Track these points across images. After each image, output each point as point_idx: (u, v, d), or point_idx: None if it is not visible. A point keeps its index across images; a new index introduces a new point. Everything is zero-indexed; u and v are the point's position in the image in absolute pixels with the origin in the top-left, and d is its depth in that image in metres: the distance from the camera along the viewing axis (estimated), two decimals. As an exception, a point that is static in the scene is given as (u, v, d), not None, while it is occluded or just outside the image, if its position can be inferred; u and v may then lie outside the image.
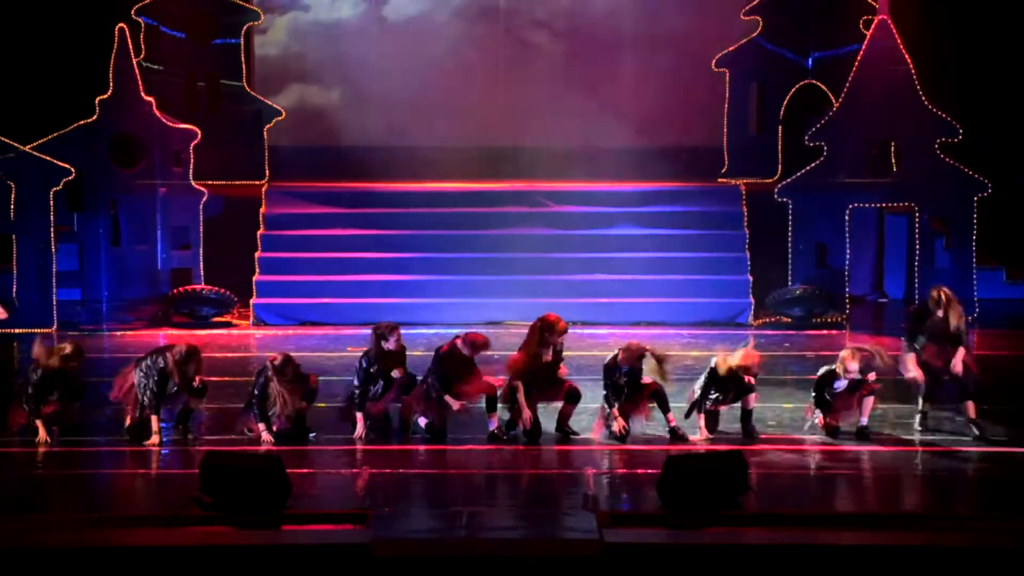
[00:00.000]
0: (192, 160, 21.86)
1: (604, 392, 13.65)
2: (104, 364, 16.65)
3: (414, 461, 13.14)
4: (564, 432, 13.73)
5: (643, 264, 21.96)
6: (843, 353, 13.64)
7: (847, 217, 21.27)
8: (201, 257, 21.88)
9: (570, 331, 13.95)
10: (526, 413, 13.53)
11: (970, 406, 14.02)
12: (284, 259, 22.10)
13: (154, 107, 21.66)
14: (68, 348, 13.72)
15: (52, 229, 20.79)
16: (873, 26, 21.32)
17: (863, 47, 21.35)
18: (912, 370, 14.02)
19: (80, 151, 21.04)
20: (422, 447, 13.51)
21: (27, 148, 20.70)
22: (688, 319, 21.13)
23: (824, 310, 21.28)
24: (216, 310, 21.43)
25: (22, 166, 20.58)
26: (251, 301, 21.49)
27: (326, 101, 25.31)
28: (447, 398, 13.61)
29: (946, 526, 10.84)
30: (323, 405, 14.39)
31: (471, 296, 21.16)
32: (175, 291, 21.47)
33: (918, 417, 14.13)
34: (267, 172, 23.59)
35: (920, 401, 14.16)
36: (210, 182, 22.27)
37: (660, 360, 13.53)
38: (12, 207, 20.58)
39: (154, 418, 13.51)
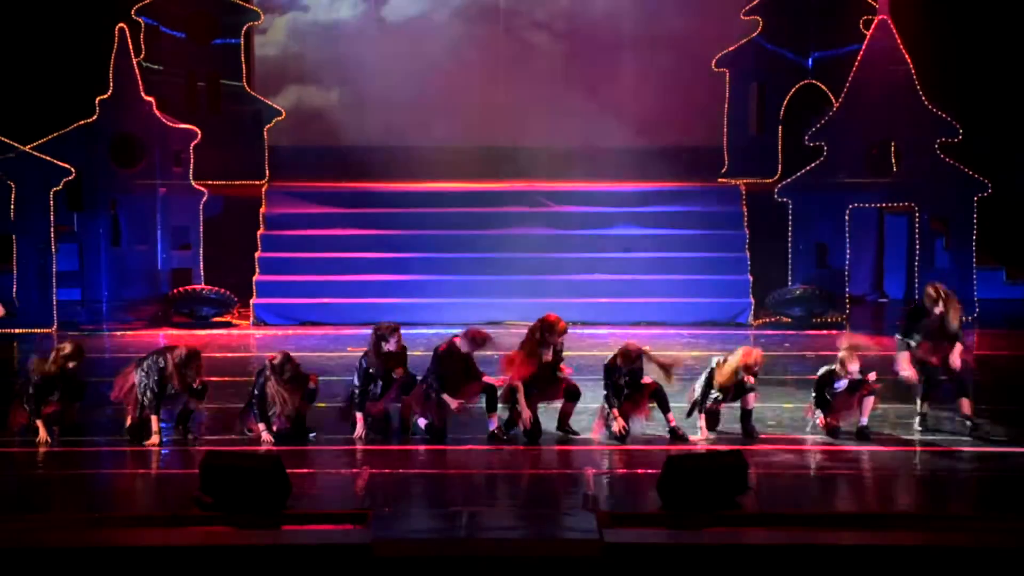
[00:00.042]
0: (192, 160, 21.87)
1: (604, 392, 13.65)
2: (104, 364, 16.65)
3: (414, 461, 13.13)
4: (565, 431, 13.73)
5: (643, 264, 21.97)
6: (841, 354, 13.65)
7: (847, 217, 21.28)
8: (201, 257, 21.88)
9: (570, 331, 13.95)
10: (526, 413, 13.53)
11: (966, 403, 14.05)
12: (284, 259, 22.10)
13: (154, 107, 21.66)
14: (68, 348, 13.72)
15: (52, 229, 20.79)
16: (873, 26, 21.33)
17: (863, 47, 21.35)
18: (906, 368, 14.03)
19: (80, 151, 21.05)
20: (422, 447, 13.51)
21: (27, 148, 20.71)
22: (688, 319, 21.13)
23: (824, 310, 21.28)
24: (216, 310, 21.44)
25: (22, 166, 20.59)
26: (251, 301, 21.49)
27: (326, 101, 25.31)
28: (445, 397, 13.60)
29: (946, 526, 10.84)
30: (323, 405, 14.39)
31: (471, 296, 21.16)
32: (175, 291, 21.46)
33: (918, 418, 14.14)
34: (267, 172, 23.58)
35: (919, 402, 14.16)
36: (210, 182, 22.27)
37: (666, 367, 13.54)
38: (12, 207, 20.58)
39: (154, 418, 13.51)
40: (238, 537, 10.52)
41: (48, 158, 20.65)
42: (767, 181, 22.77)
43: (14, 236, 20.74)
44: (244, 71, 23.80)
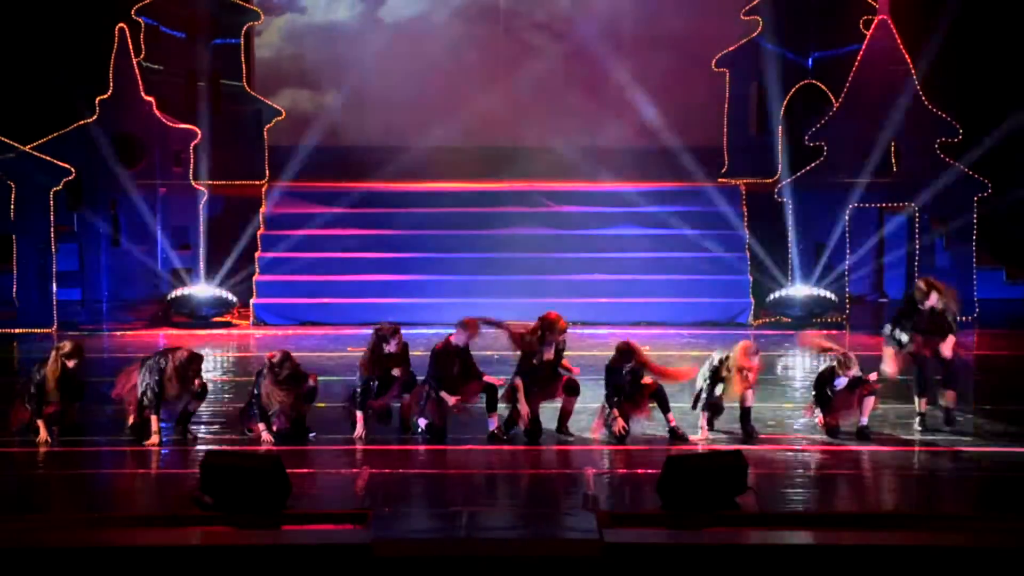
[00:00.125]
0: (192, 160, 21.87)
1: (605, 392, 13.65)
2: (104, 364, 16.65)
3: (414, 461, 13.13)
4: (563, 433, 13.71)
5: (643, 264, 21.97)
6: (839, 358, 13.67)
7: (847, 217, 21.28)
8: (201, 257, 21.87)
9: (570, 331, 13.95)
10: (524, 410, 13.53)
11: (950, 395, 14.09)
12: (284, 259, 22.10)
13: (154, 107, 21.67)
14: (67, 347, 13.72)
15: (52, 229, 20.80)
16: (873, 26, 21.34)
17: (863, 47, 21.36)
18: (888, 364, 14.05)
19: (80, 151, 21.07)
20: (422, 447, 13.51)
21: (27, 148, 20.72)
22: (688, 319, 21.15)
23: (824, 310, 21.29)
24: (216, 310, 21.44)
25: (22, 166, 20.60)
26: (251, 301, 21.50)
27: (325, 102, 25.31)
28: (443, 394, 13.60)
29: (946, 526, 10.84)
30: (323, 405, 14.39)
31: (471, 296, 21.15)
32: (175, 291, 21.46)
33: (918, 418, 14.14)
34: (267, 172, 23.58)
35: (918, 401, 14.17)
36: (210, 182, 22.27)
37: (660, 373, 13.57)
38: (12, 207, 20.59)
39: (154, 418, 13.51)
40: (238, 537, 10.51)
41: (48, 158, 20.66)
42: (767, 181, 22.77)
43: (14, 236, 20.75)
44: (244, 71, 23.81)
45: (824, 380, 13.76)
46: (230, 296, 21.47)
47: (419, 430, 13.76)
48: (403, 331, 14.02)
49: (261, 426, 13.55)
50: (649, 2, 25.33)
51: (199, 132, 21.97)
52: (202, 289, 21.46)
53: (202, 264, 21.83)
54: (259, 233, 22.31)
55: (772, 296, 21.41)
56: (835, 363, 13.69)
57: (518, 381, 13.62)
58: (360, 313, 20.70)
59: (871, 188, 21.31)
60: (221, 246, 22.05)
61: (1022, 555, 9.96)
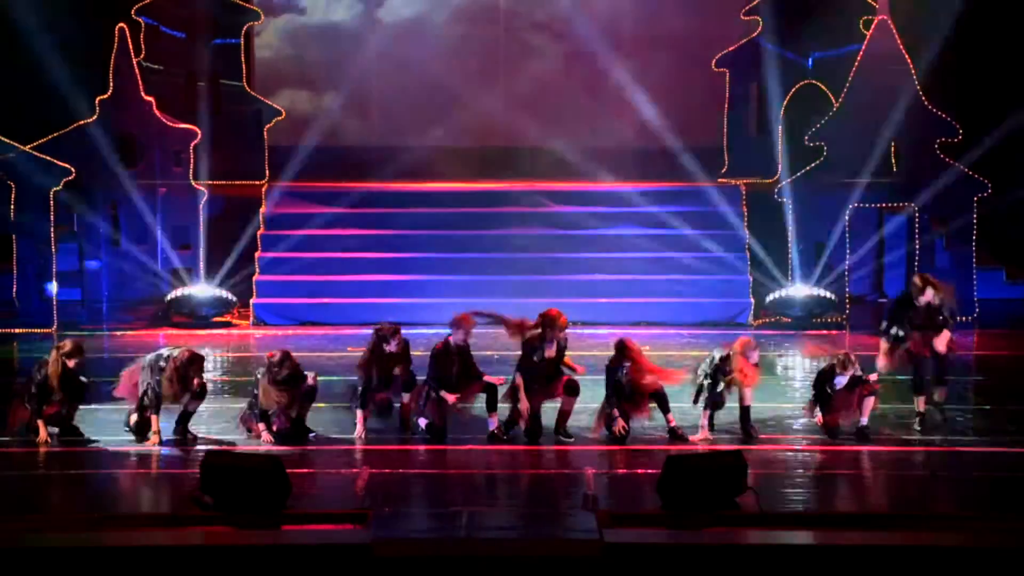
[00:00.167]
0: (192, 160, 21.87)
1: (606, 392, 13.65)
2: (104, 364, 16.64)
3: (414, 461, 13.13)
4: (561, 434, 13.69)
5: (643, 264, 21.98)
6: (839, 357, 13.69)
7: (847, 217, 21.28)
8: (201, 257, 21.88)
9: (570, 331, 13.94)
10: (525, 406, 13.52)
11: (942, 392, 14.10)
12: (284, 259, 22.10)
13: (154, 107, 21.67)
14: (68, 346, 13.71)
15: (52, 229, 20.79)
16: (873, 26, 21.34)
17: (863, 47, 21.36)
18: (881, 359, 14.09)
19: (80, 151, 21.06)
20: (422, 447, 13.51)
21: (27, 148, 20.71)
22: (688, 319, 21.15)
23: (824, 310, 21.29)
24: (216, 310, 21.44)
25: (22, 166, 20.60)
26: (251, 301, 21.50)
27: (324, 102, 25.31)
28: (443, 394, 13.60)
29: (946, 526, 10.84)
30: (323, 405, 14.39)
31: (471, 296, 21.08)
32: (175, 291, 21.46)
33: (917, 418, 14.14)
34: (267, 172, 23.58)
35: (918, 401, 14.17)
36: (210, 182, 22.28)
37: (651, 372, 13.60)
38: (12, 207, 20.59)
39: (154, 418, 13.52)
40: (238, 537, 10.51)
41: (48, 158, 20.66)
42: (767, 181, 22.77)
43: (14, 236, 20.74)
44: (244, 71, 23.80)
45: (824, 379, 13.76)
46: (230, 296, 21.47)
47: (419, 430, 13.76)
48: (403, 331, 14.03)
49: (261, 426, 13.55)
50: (649, 2, 25.34)
51: (199, 132, 21.98)
52: (202, 289, 21.47)
53: (202, 264, 21.84)
54: (259, 233, 22.32)
55: (772, 296, 21.41)
56: (835, 362, 13.70)
57: (518, 378, 13.62)
58: (360, 313, 20.70)
59: (871, 188, 21.32)
60: (221, 246, 22.05)
61: (1022, 555, 9.96)
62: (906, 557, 9.99)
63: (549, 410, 13.81)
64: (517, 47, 25.36)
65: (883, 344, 14.16)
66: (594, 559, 9.94)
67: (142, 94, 21.55)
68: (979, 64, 22.90)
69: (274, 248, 22.20)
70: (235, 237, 22.19)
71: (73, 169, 20.75)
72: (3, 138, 20.66)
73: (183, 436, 13.70)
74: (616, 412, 13.52)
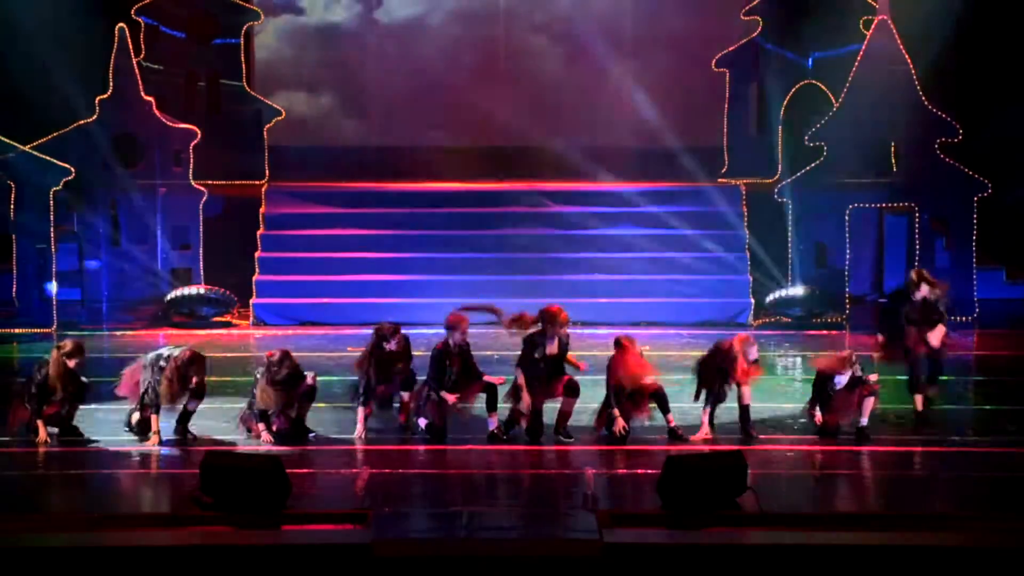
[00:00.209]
0: (192, 160, 21.88)
1: (607, 391, 13.64)
2: (104, 364, 16.64)
3: (414, 461, 13.13)
4: (561, 435, 13.69)
5: (643, 264, 21.98)
6: (843, 353, 13.71)
7: (847, 217, 21.28)
8: (201, 257, 21.89)
9: (571, 331, 13.94)
10: (527, 400, 13.52)
11: (933, 389, 14.10)
12: (284, 259, 22.11)
13: (154, 107, 21.68)
14: (69, 346, 13.71)
15: (52, 229, 20.80)
16: (873, 26, 21.34)
17: (863, 47, 21.36)
18: (874, 352, 14.11)
19: (80, 151, 21.07)
20: (422, 447, 13.51)
21: (27, 148, 20.72)
22: (688, 319, 21.14)
23: (824, 310, 21.29)
24: (216, 310, 21.45)
25: (22, 166, 20.60)
26: (251, 301, 21.50)
27: (323, 102, 25.30)
28: (443, 394, 13.59)
29: (946, 526, 10.84)
30: (323, 405, 14.39)
31: (471, 296, 21.06)
32: (175, 291, 21.47)
33: (917, 418, 14.14)
34: (267, 172, 23.58)
35: (916, 400, 14.17)
36: (210, 182, 22.28)
37: (631, 372, 13.60)
38: (12, 207, 20.59)
39: (154, 417, 13.52)
40: (238, 537, 10.51)
41: (48, 158, 20.66)
42: (767, 181, 22.77)
43: (14, 236, 20.75)
44: (244, 71, 23.80)
45: (824, 379, 13.76)
46: (230, 296, 21.47)
47: (419, 430, 13.76)
48: (403, 331, 14.04)
49: (261, 426, 13.55)
50: (649, 2, 25.33)
51: (199, 132, 21.98)
52: (202, 289, 21.46)
53: (202, 264, 21.84)
54: (259, 233, 22.32)
55: (772, 296, 21.41)
56: (836, 362, 13.70)
57: (520, 374, 13.61)
58: (360, 313, 20.69)
59: (871, 188, 21.31)
60: (221, 246, 22.05)
61: (1022, 555, 9.96)
62: (906, 557, 9.99)
63: (550, 410, 13.81)
64: (517, 47, 25.35)
65: (879, 337, 14.20)
66: (594, 559, 9.95)
67: (142, 94, 21.56)
68: (979, 64, 22.90)
69: (274, 248, 22.20)
70: (235, 237, 22.19)
71: (73, 169, 20.76)
72: (3, 138, 20.66)
73: (183, 436, 13.70)
74: (616, 412, 13.52)
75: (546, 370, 13.66)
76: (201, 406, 13.87)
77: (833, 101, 21.94)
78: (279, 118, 23.76)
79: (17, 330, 20.35)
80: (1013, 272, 22.23)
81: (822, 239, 21.66)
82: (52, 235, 20.78)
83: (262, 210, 22.61)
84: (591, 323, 20.40)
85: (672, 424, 13.59)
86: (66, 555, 9.96)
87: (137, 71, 21.54)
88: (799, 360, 18.49)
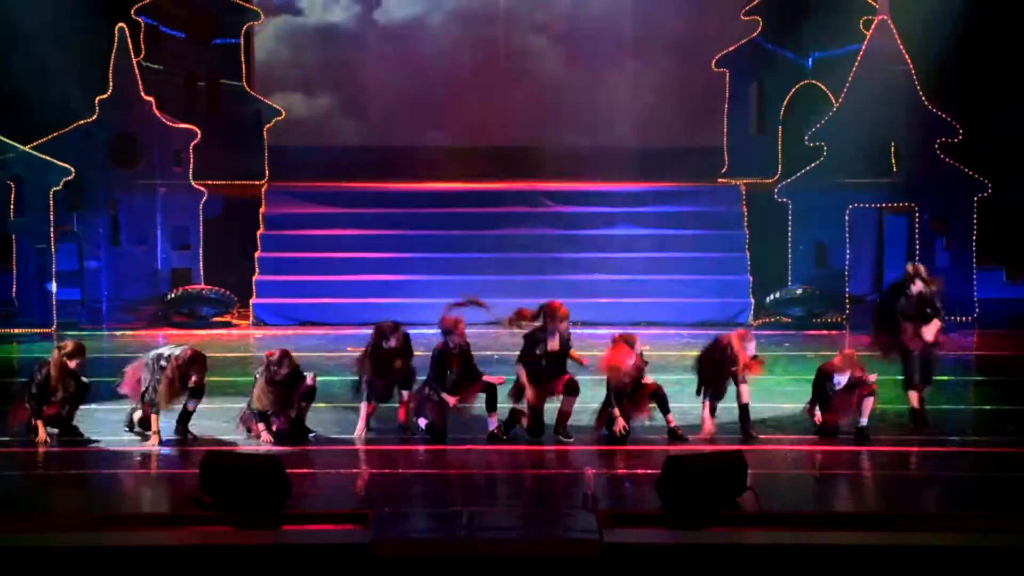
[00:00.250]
0: (192, 160, 21.88)
1: (607, 391, 13.64)
2: (104, 364, 16.64)
3: (414, 461, 13.13)
4: (561, 435, 13.69)
5: (643, 264, 21.97)
6: (844, 353, 13.72)
7: (847, 217, 21.28)
8: (201, 257, 21.88)
9: (570, 331, 13.94)
10: (530, 393, 13.51)
11: (925, 388, 14.12)
12: (284, 259, 22.10)
13: (154, 107, 21.67)
14: (69, 346, 13.72)
15: (52, 229, 20.80)
16: (873, 26, 21.34)
17: (863, 47, 21.36)
18: (872, 346, 14.15)
19: (80, 151, 21.07)
20: (422, 447, 13.51)
21: (27, 148, 20.71)
22: (688, 319, 21.13)
23: (824, 310, 21.29)
24: (216, 310, 21.44)
25: (22, 166, 20.60)
26: (251, 301, 21.50)
27: (325, 102, 25.30)
28: (444, 395, 13.59)
29: (946, 526, 10.84)
30: (323, 405, 14.39)
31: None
32: (175, 291, 21.47)
33: (917, 418, 14.14)
34: (267, 172, 23.57)
35: (911, 398, 14.17)
36: (210, 182, 22.28)
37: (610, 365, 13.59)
38: (12, 207, 20.59)
39: (154, 417, 13.52)
40: (238, 537, 10.52)
41: (48, 158, 20.66)
42: (767, 181, 22.76)
43: (14, 236, 20.75)
44: (244, 71, 23.80)
45: (823, 378, 13.76)
46: (230, 296, 21.47)
47: (419, 430, 13.76)
48: (403, 329, 14.05)
49: (261, 426, 13.55)
50: (649, 2, 25.32)
51: (199, 132, 21.98)
52: (201, 289, 21.46)
53: (202, 264, 21.83)
54: (259, 233, 22.31)
55: (772, 296, 21.41)
56: (836, 361, 13.71)
57: (521, 370, 13.61)
58: (360, 313, 20.68)
59: (871, 188, 21.30)
60: (221, 246, 22.05)
61: (1022, 555, 9.96)
62: (905, 557, 9.99)
63: (550, 410, 13.81)
64: (517, 47, 25.34)
65: (874, 332, 14.24)
66: (594, 559, 9.95)
67: (142, 94, 21.55)
68: (979, 64, 22.89)
69: (274, 248, 22.19)
70: (235, 237, 22.19)
71: (73, 169, 20.75)
72: (3, 138, 20.66)
73: (183, 436, 13.70)
74: (616, 412, 13.52)
75: (547, 367, 13.66)
76: (201, 406, 13.87)
77: (833, 101, 21.94)
78: (279, 118, 23.75)
79: (17, 330, 20.34)
80: (1013, 272, 22.22)
81: (822, 239, 21.64)
82: (52, 235, 20.77)
83: (262, 210, 22.61)
84: (591, 323, 20.38)
85: (672, 424, 13.60)
86: (66, 555, 9.96)
87: (137, 71, 21.54)
88: (799, 360, 18.48)
